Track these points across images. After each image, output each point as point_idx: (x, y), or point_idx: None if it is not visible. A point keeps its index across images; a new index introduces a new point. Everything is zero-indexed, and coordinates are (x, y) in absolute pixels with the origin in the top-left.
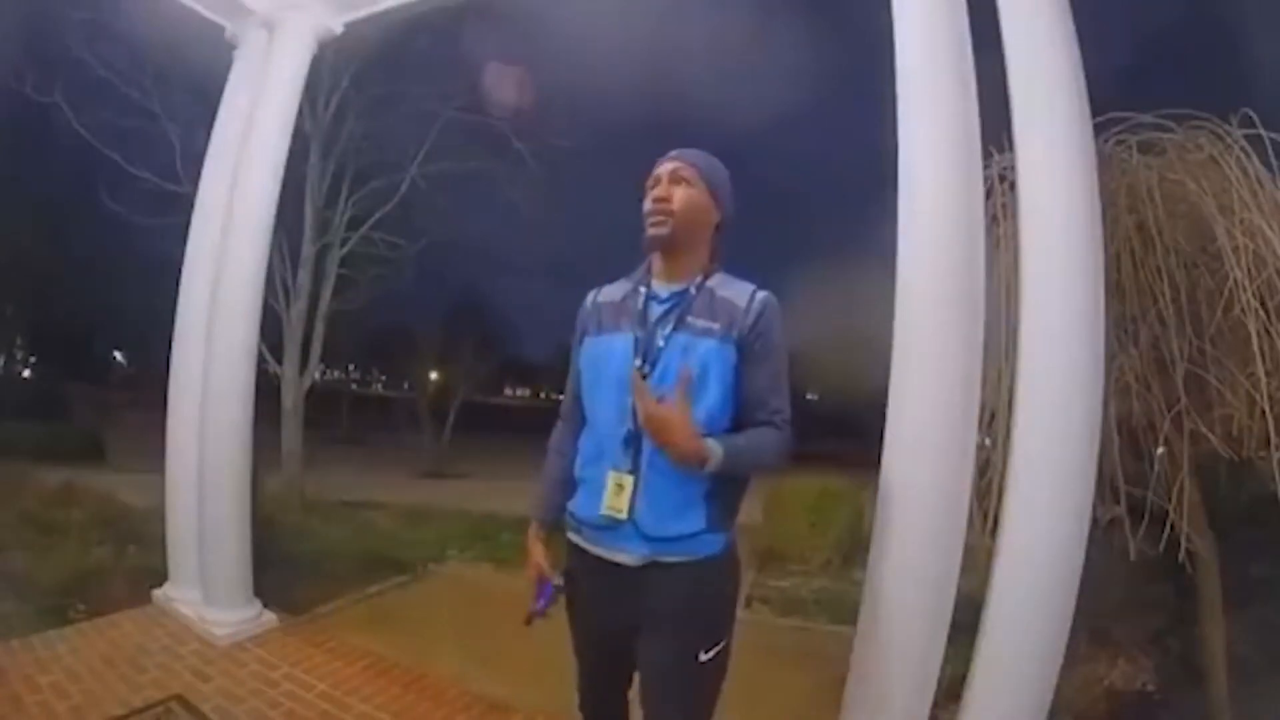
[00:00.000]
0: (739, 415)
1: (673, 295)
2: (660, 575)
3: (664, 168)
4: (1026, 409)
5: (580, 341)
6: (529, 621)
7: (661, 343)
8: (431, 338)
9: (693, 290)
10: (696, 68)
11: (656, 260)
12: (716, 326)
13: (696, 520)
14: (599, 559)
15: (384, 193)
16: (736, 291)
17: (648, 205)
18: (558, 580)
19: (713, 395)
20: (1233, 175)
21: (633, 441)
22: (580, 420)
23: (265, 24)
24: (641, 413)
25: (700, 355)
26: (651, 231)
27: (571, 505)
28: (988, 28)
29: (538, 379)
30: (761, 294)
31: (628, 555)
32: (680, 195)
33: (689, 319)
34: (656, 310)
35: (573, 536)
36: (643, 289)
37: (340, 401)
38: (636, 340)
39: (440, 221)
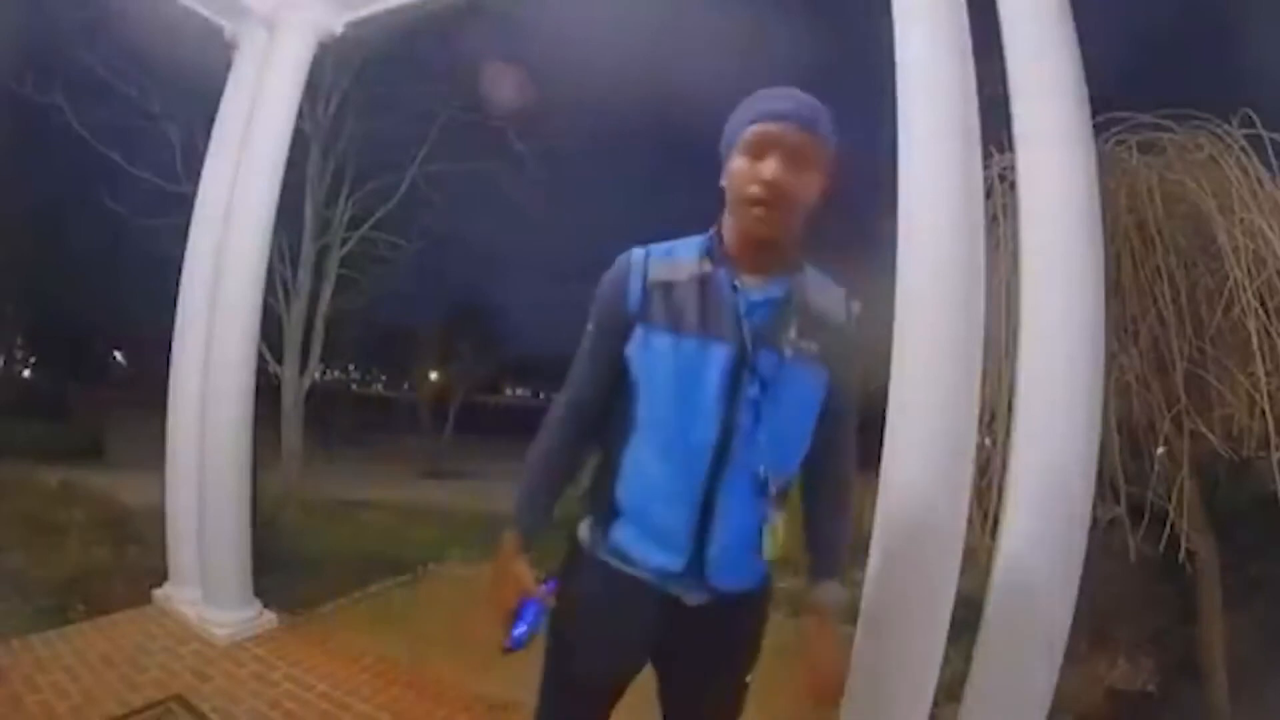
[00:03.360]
0: (811, 458)
1: (768, 300)
2: (723, 610)
3: (788, 134)
4: (1026, 409)
5: (627, 328)
6: (507, 652)
7: (769, 371)
8: (431, 338)
9: (793, 293)
10: (697, 68)
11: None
12: (816, 348)
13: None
14: (643, 592)
15: (384, 193)
16: (830, 298)
17: (755, 189)
18: (548, 598)
19: (802, 446)
20: (1233, 175)
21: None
22: (597, 421)
23: (265, 24)
24: (824, 694)
25: (811, 391)
26: (757, 230)
27: (620, 539)
28: (988, 28)
29: (538, 379)
30: (855, 304)
31: (691, 596)
32: (801, 187)
33: (797, 339)
34: (755, 316)
35: (605, 557)
36: (726, 278)
37: (340, 401)
38: (739, 355)
39: (440, 221)
